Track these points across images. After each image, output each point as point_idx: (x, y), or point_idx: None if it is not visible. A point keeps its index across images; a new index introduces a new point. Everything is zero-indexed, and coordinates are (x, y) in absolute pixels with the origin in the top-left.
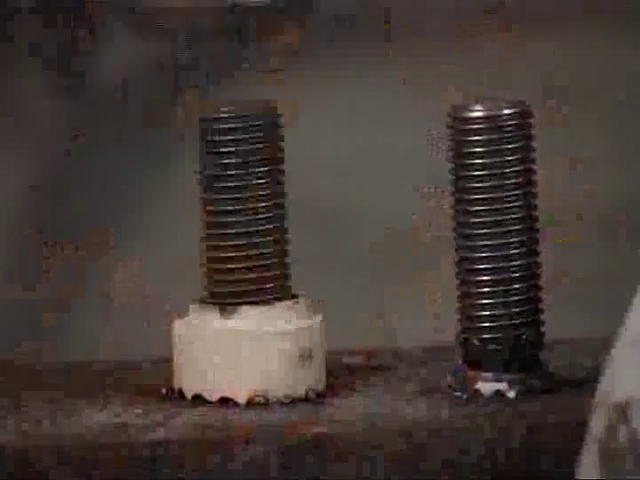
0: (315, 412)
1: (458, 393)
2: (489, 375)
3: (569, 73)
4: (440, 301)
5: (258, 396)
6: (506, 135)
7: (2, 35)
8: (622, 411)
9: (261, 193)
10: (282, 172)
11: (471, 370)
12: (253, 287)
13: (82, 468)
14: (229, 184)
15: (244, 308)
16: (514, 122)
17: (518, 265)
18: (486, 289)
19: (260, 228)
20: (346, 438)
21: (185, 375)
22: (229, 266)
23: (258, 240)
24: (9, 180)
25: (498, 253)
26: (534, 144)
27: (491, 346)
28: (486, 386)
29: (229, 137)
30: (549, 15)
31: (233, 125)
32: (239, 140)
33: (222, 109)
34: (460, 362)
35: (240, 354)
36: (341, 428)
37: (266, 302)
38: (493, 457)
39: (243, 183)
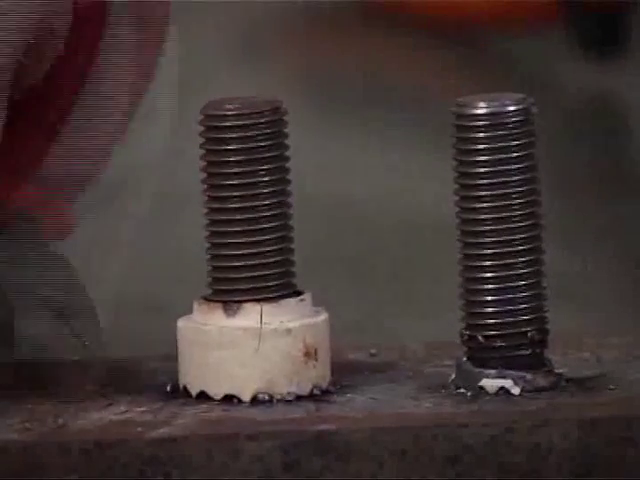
0: (319, 409)
1: (462, 390)
2: (493, 372)
3: None
4: (444, 298)
5: (262, 393)
6: (510, 132)
7: None
8: None
9: (266, 191)
10: (287, 169)
11: (475, 367)
12: (257, 284)
13: (87, 465)
14: (233, 181)
15: (248, 305)
16: (518, 118)
17: (523, 262)
18: (491, 286)
19: (265, 226)
20: (350, 435)
21: (189, 372)
22: (233, 264)
23: (262, 237)
24: None
25: (503, 250)
26: (536, 140)
27: (496, 343)
28: (490, 383)
29: (233, 134)
30: None
31: (238, 122)
32: (244, 137)
33: (227, 105)
34: (464, 359)
35: (244, 351)
36: (345, 425)
37: (270, 299)
38: (497, 454)
39: (247, 180)
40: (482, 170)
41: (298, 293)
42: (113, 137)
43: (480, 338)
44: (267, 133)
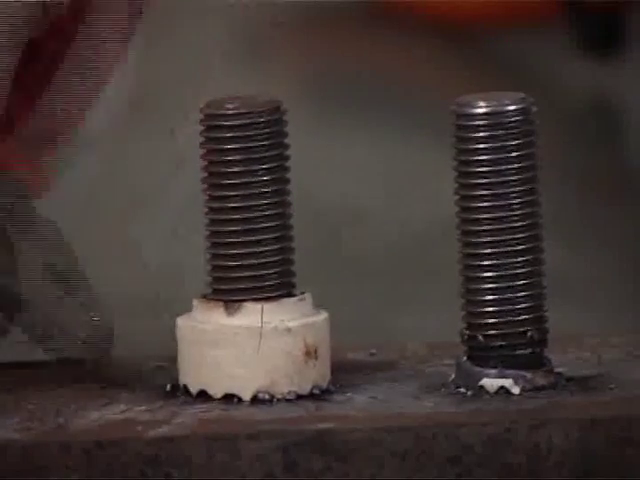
0: (320, 409)
1: (462, 389)
2: (493, 371)
3: None
4: (445, 298)
5: (262, 393)
6: (510, 131)
7: None
8: None
9: (265, 190)
10: (287, 169)
11: (475, 366)
12: (257, 284)
13: (87, 464)
14: (233, 181)
15: (248, 304)
16: (518, 118)
17: (523, 261)
18: (490, 285)
19: (264, 225)
20: (351, 435)
21: (190, 372)
22: (233, 263)
23: (262, 237)
24: None
25: (503, 249)
26: (536, 140)
27: (495, 342)
28: (490, 382)
29: (233, 133)
30: None
31: (237, 121)
32: (243, 136)
33: (227, 105)
34: (464, 358)
35: (244, 351)
36: (346, 424)
37: (270, 299)
38: (498, 454)
39: (247, 180)
40: (482, 169)
41: (299, 292)
42: (89, 100)
43: (480, 337)
44: (267, 132)
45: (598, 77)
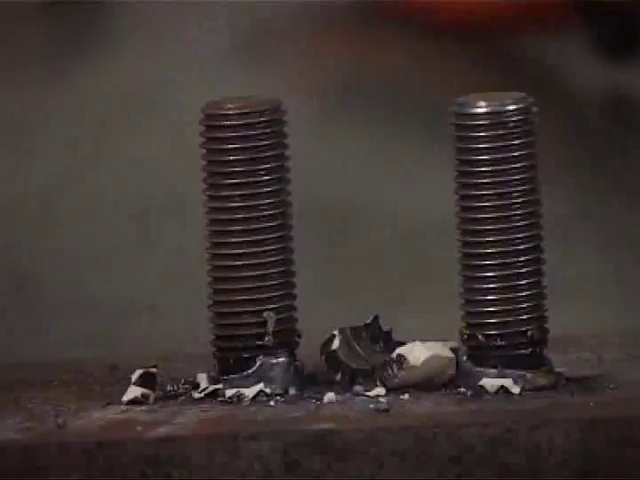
0: (320, 409)
1: (462, 389)
2: (493, 371)
3: None
4: (444, 297)
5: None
6: (510, 131)
7: None
8: None
9: (266, 190)
10: (287, 169)
11: (475, 366)
12: (258, 284)
13: (87, 465)
14: (233, 181)
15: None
16: (518, 118)
17: (523, 261)
18: (491, 285)
19: (265, 225)
20: (351, 434)
21: None
22: (233, 262)
23: (263, 236)
24: None
25: (503, 249)
26: (536, 140)
27: (496, 342)
28: (490, 382)
29: (234, 133)
30: None
31: (238, 121)
32: (244, 136)
33: (227, 105)
34: (464, 358)
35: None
36: (346, 424)
37: (270, 299)
38: (498, 454)
39: (248, 180)
40: (482, 169)
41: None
42: None
43: (480, 337)
44: (267, 132)
45: (613, 78)
